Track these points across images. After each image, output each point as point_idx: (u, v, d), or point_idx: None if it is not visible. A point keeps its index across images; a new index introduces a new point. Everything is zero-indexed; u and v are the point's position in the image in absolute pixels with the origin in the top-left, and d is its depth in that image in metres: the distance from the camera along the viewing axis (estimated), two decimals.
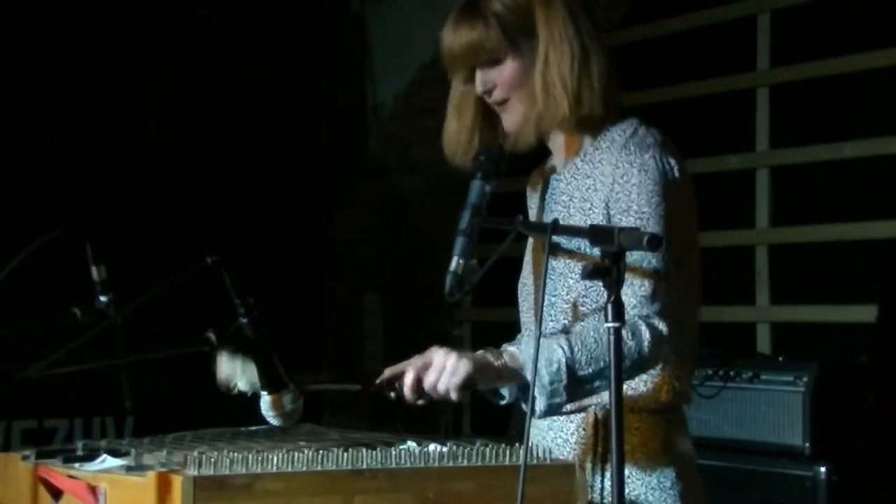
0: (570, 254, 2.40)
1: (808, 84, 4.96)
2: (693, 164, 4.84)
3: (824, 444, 3.97)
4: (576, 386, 2.25)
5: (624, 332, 2.21)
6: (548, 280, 2.38)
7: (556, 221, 2.21)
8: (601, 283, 2.07)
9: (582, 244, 2.38)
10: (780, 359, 4.31)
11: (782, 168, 5.06)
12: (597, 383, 2.27)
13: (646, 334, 2.26)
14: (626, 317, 2.21)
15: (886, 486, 3.98)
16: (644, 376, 2.37)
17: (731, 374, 4.19)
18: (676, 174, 2.39)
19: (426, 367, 2.27)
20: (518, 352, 2.31)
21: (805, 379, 4.00)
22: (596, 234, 2.12)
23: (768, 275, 5.05)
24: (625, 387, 2.32)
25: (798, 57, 5.00)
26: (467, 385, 2.26)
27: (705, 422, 4.17)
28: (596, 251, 2.19)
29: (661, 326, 2.29)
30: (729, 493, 4.01)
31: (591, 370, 2.25)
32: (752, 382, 4.14)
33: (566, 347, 2.25)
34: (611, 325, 2.02)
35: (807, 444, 3.96)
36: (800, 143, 4.98)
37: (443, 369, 2.25)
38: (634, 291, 2.29)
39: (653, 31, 5.55)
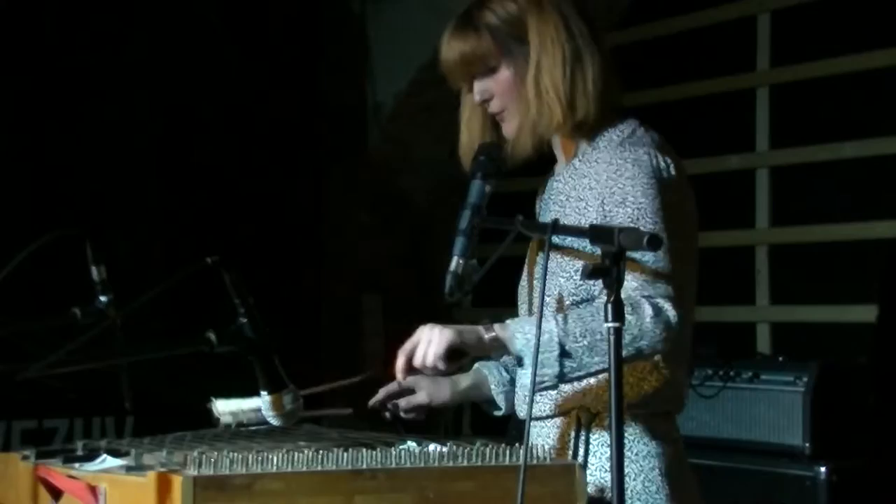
0: (567, 253, 2.40)
1: (808, 84, 4.96)
2: (693, 164, 4.86)
3: (824, 444, 3.97)
4: (567, 359, 2.25)
5: (626, 308, 2.20)
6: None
7: (556, 221, 2.21)
8: (601, 284, 2.07)
9: (577, 244, 2.38)
10: (780, 359, 4.30)
11: (782, 168, 5.06)
12: (596, 359, 2.25)
13: (648, 311, 2.24)
14: (627, 295, 2.19)
15: (886, 486, 3.98)
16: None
17: (731, 374, 4.19)
18: (672, 172, 2.39)
19: (414, 347, 2.31)
20: (510, 322, 2.32)
21: (805, 379, 3.99)
22: (596, 233, 2.11)
23: (768, 275, 5.05)
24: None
25: (798, 57, 5.00)
26: (454, 354, 2.30)
27: (705, 422, 4.17)
28: (594, 250, 2.19)
29: (668, 306, 2.26)
30: (729, 493, 4.01)
31: (585, 342, 2.24)
32: (752, 382, 4.14)
33: (560, 318, 2.26)
34: (611, 325, 2.01)
35: (807, 444, 3.96)
36: (800, 143, 4.98)
37: (428, 342, 2.29)
38: (635, 276, 2.28)
39: (653, 31, 5.55)
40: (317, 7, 6.07)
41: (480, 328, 2.32)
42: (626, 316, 2.16)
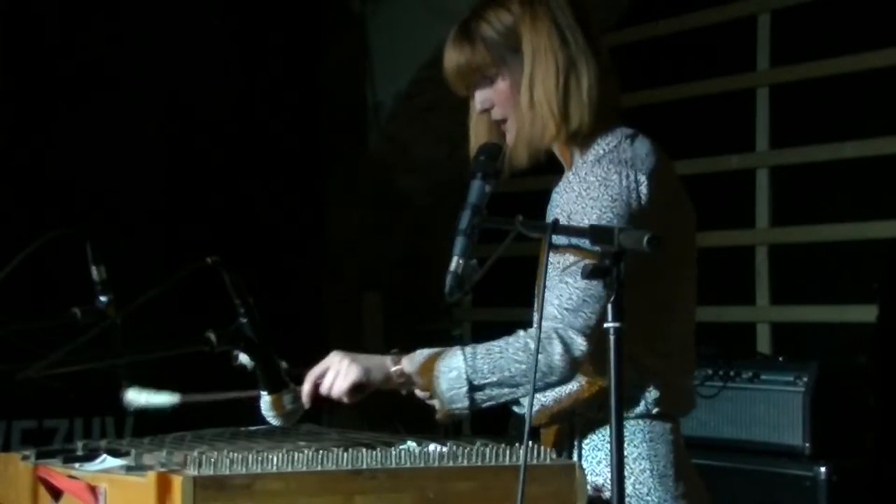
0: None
1: (808, 84, 4.96)
2: (693, 164, 4.89)
3: (824, 444, 3.97)
4: (476, 392, 2.29)
5: (532, 344, 2.25)
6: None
7: (556, 221, 2.21)
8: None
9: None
10: (780, 359, 4.30)
11: (782, 168, 5.06)
12: (506, 390, 2.29)
13: (557, 348, 2.26)
14: (545, 326, 2.24)
15: (886, 486, 3.98)
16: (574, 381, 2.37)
17: (731, 374, 4.19)
18: (644, 190, 2.35)
19: (322, 373, 2.38)
20: (419, 356, 2.36)
21: (805, 379, 3.99)
22: (596, 234, 2.12)
23: (768, 275, 5.05)
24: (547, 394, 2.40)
25: (798, 57, 5.00)
26: (359, 388, 2.36)
27: (705, 422, 4.17)
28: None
29: (579, 341, 2.28)
30: (729, 493, 4.01)
31: (493, 378, 2.29)
32: (752, 382, 4.14)
33: (468, 355, 2.30)
34: (610, 325, 2.02)
35: (807, 444, 3.96)
36: (800, 143, 4.98)
37: (336, 373, 2.36)
38: (561, 303, 2.29)
39: (653, 31, 5.54)
40: (317, 7, 6.07)
41: (388, 361, 2.38)
42: (539, 354, 2.24)
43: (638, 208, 2.35)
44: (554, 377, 2.28)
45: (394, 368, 2.36)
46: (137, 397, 2.41)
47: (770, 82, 5.11)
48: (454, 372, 2.29)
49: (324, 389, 2.37)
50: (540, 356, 2.25)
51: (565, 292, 2.29)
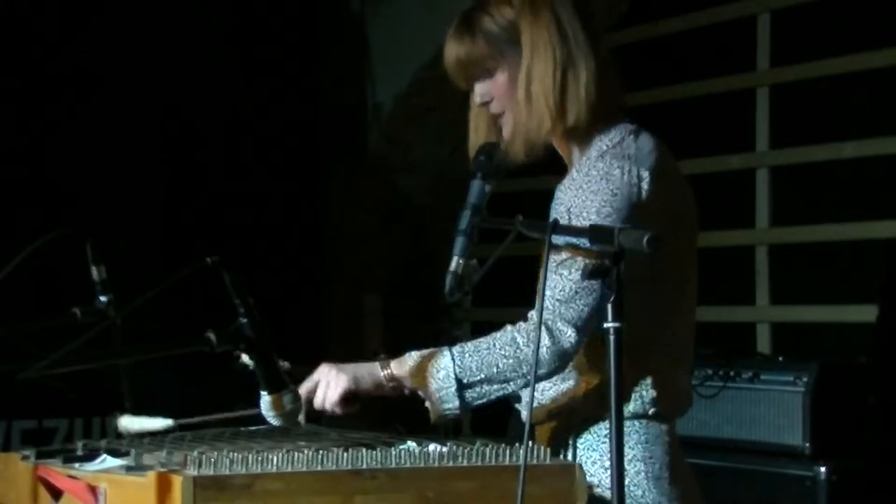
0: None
1: (808, 84, 4.96)
2: (693, 164, 4.89)
3: (824, 444, 3.97)
4: (466, 391, 2.31)
5: (520, 339, 2.27)
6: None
7: (556, 221, 2.21)
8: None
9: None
10: (780, 359, 4.31)
11: (782, 168, 5.06)
12: (495, 386, 2.31)
13: (545, 340, 2.26)
14: (535, 319, 2.25)
15: (886, 486, 3.98)
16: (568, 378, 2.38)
17: (731, 374, 4.19)
18: (646, 186, 2.35)
19: (314, 387, 2.41)
20: (408, 358, 2.38)
21: (805, 379, 3.99)
22: (596, 233, 2.11)
23: (768, 275, 5.05)
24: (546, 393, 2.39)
25: (798, 57, 5.00)
26: (351, 398, 2.39)
27: (705, 422, 4.17)
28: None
29: (568, 332, 2.27)
30: (729, 493, 4.01)
31: (481, 375, 2.30)
32: (752, 382, 4.14)
33: (456, 354, 2.31)
34: (610, 325, 2.01)
35: (807, 444, 3.96)
36: (800, 143, 4.98)
37: (326, 385, 2.38)
38: (553, 294, 2.29)
39: (653, 31, 5.55)
40: (317, 7, 6.07)
41: (377, 367, 2.39)
42: (522, 348, 2.27)
43: (639, 203, 2.34)
44: (542, 370, 2.28)
45: (383, 373, 2.38)
46: (131, 423, 2.42)
47: (770, 82, 5.12)
48: (442, 372, 2.31)
49: (317, 403, 2.40)
50: (529, 349, 2.26)
51: (559, 284, 2.29)
